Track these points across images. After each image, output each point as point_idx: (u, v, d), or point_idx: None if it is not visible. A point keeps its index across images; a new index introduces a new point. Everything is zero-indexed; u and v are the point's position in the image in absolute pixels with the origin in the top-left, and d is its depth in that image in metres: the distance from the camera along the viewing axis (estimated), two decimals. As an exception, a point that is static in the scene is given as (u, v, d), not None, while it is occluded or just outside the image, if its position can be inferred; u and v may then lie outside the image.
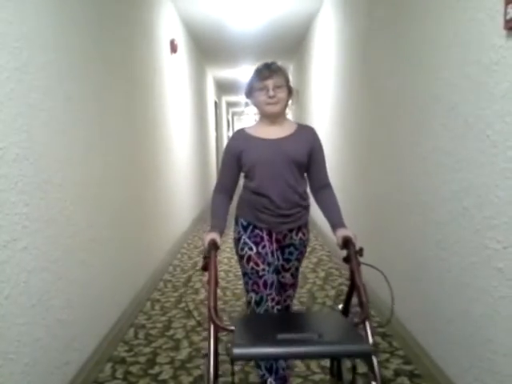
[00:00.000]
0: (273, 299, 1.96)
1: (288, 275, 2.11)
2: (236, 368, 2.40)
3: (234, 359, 1.39)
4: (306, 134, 2.02)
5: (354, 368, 1.82)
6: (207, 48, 7.39)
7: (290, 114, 2.15)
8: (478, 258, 1.77)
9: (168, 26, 4.84)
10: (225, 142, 13.70)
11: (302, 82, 7.25)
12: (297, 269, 2.14)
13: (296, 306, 3.21)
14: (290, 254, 2.07)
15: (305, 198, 2.03)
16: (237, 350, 1.37)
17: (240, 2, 5.03)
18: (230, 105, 17.85)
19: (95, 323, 2.48)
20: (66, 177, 2.13)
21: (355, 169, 3.83)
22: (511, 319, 1.57)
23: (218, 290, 3.48)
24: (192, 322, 3.03)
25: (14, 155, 1.70)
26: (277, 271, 2.06)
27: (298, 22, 6.02)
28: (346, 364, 2.02)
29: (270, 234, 2.00)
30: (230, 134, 17.38)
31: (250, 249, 1.98)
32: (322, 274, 4.03)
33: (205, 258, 1.71)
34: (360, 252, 1.74)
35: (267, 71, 1.91)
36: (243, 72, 9.38)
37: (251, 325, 1.67)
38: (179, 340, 2.79)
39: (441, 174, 2.08)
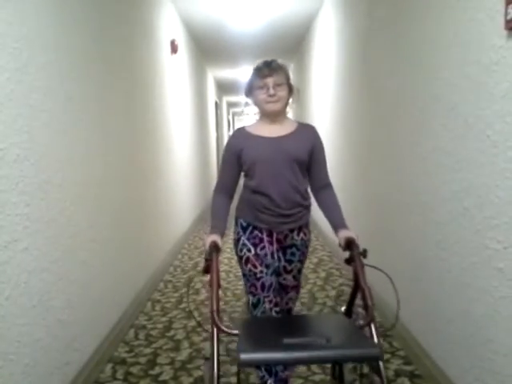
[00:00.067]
0: (270, 301, 1.94)
1: (290, 277, 2.07)
2: (236, 369, 2.40)
3: (241, 365, 1.33)
4: (307, 133, 1.99)
5: (359, 370, 1.79)
6: (208, 48, 7.39)
7: (290, 113, 2.14)
8: (479, 258, 1.77)
9: (168, 27, 4.84)
10: (225, 142, 13.68)
11: (302, 82, 7.25)
12: (299, 271, 2.09)
13: (297, 306, 3.20)
14: (292, 254, 2.03)
15: (306, 197, 1.99)
16: (244, 356, 1.33)
17: (240, 2, 5.04)
18: (230, 105, 17.86)
19: (96, 324, 2.48)
20: (66, 177, 2.13)
21: (355, 169, 3.83)
22: (512, 319, 1.58)
23: (219, 291, 3.47)
24: (192, 323, 3.03)
25: (14, 156, 1.70)
26: (278, 273, 2.04)
27: (298, 22, 6.02)
28: (347, 365, 2.01)
29: (270, 235, 1.98)
30: (231, 133, 17.37)
31: (249, 250, 1.96)
32: (323, 275, 4.03)
33: (206, 260, 1.69)
34: (364, 253, 1.71)
35: (267, 69, 1.87)
36: (244, 72, 9.38)
37: (255, 329, 1.63)
38: (180, 341, 2.79)
39: (441, 174, 2.08)
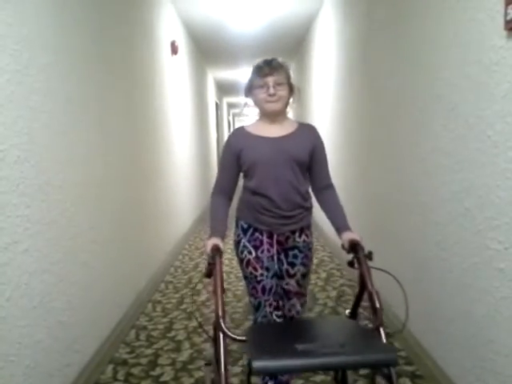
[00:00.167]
0: (270, 305, 1.92)
1: (293, 282, 2.00)
2: (236, 369, 2.40)
3: (254, 373, 1.28)
4: (308, 133, 1.96)
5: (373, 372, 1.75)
6: (208, 49, 7.40)
7: (290, 113, 2.12)
8: (480, 258, 1.77)
9: (168, 28, 4.84)
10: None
11: (302, 83, 7.24)
12: (303, 276, 2.01)
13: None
14: (295, 257, 1.99)
15: (307, 198, 1.96)
16: (257, 363, 1.27)
17: (240, 3, 5.04)
18: (230, 106, 17.86)
19: (96, 325, 2.48)
20: (66, 178, 2.13)
21: (355, 168, 3.83)
22: (513, 320, 1.57)
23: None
24: (194, 324, 3.03)
25: (14, 157, 1.70)
26: (281, 277, 2.00)
27: (298, 23, 6.02)
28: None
29: (270, 237, 1.95)
30: (230, 132, 17.35)
31: (250, 253, 1.94)
32: (324, 275, 4.02)
33: (209, 264, 1.64)
34: (369, 256, 1.67)
35: (268, 68, 1.82)
36: (244, 73, 9.39)
37: (264, 335, 1.59)
38: (180, 341, 2.79)
39: (441, 174, 2.08)
